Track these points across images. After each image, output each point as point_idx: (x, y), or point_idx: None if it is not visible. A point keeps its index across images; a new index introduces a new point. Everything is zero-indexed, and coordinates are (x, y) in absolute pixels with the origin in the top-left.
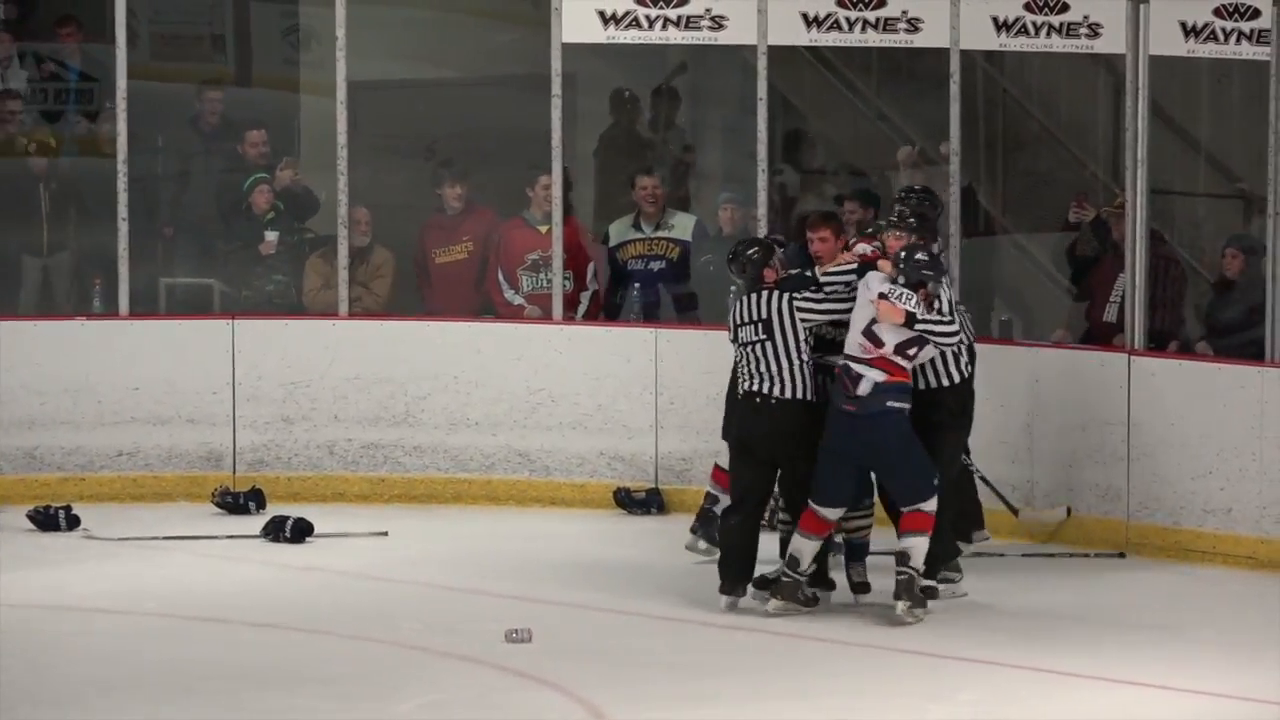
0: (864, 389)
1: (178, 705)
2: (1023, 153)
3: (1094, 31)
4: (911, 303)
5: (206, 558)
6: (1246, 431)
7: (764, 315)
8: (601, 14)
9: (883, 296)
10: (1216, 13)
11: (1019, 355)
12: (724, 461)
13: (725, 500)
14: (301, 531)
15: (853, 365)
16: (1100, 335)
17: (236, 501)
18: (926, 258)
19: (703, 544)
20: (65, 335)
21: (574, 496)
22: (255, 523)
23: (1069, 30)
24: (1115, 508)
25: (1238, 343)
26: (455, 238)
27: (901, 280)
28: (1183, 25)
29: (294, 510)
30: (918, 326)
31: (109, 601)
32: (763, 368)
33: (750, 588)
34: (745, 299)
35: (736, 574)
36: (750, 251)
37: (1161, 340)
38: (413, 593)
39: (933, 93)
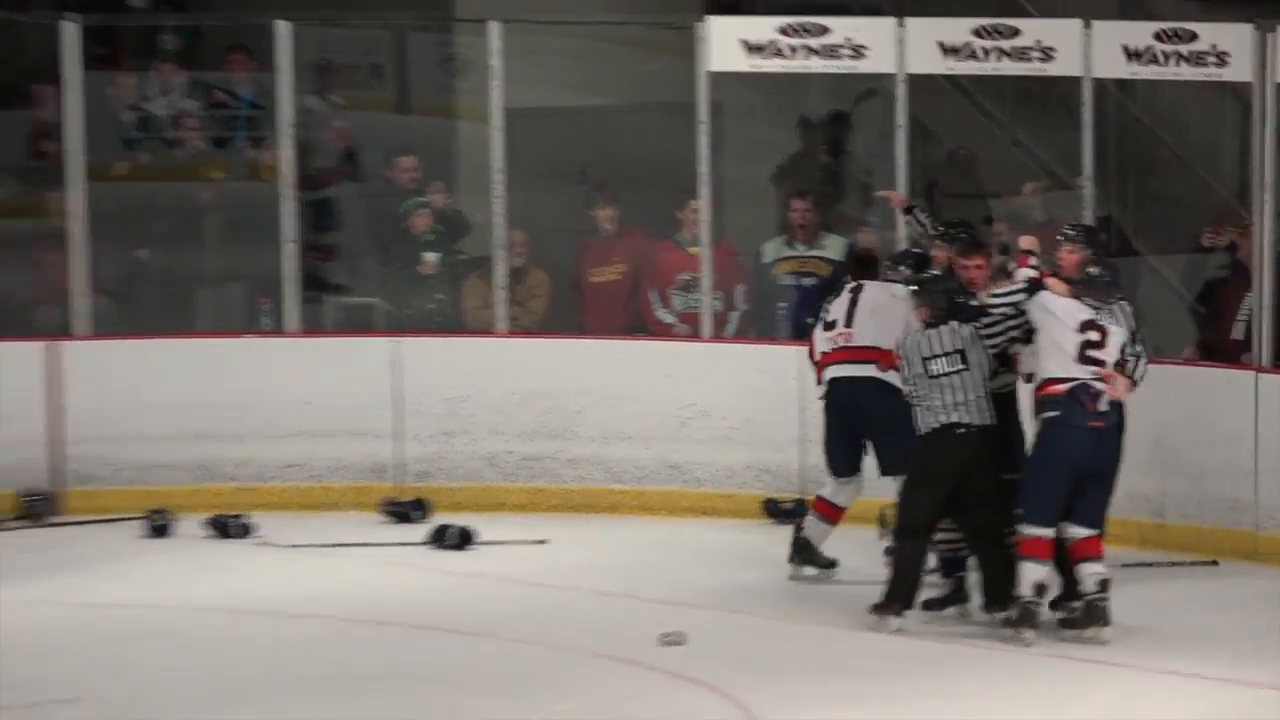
0: (1104, 405)
1: (350, 706)
2: (1153, 177)
3: (1221, 60)
4: (1117, 339)
5: (374, 564)
6: None
7: (959, 346)
8: (745, 43)
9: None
10: None
11: (1150, 372)
12: (826, 494)
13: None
14: (464, 539)
15: (1091, 383)
16: (1228, 353)
17: (402, 510)
18: (1109, 274)
19: (807, 569)
20: (236, 353)
21: (724, 507)
22: (420, 531)
23: (1197, 59)
24: (1244, 519)
25: None
26: (608, 259)
27: (1088, 299)
28: None
29: (457, 519)
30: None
31: (282, 605)
32: (961, 397)
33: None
34: (935, 332)
35: (907, 597)
36: (942, 285)
37: None
38: (571, 598)
39: (1065, 120)
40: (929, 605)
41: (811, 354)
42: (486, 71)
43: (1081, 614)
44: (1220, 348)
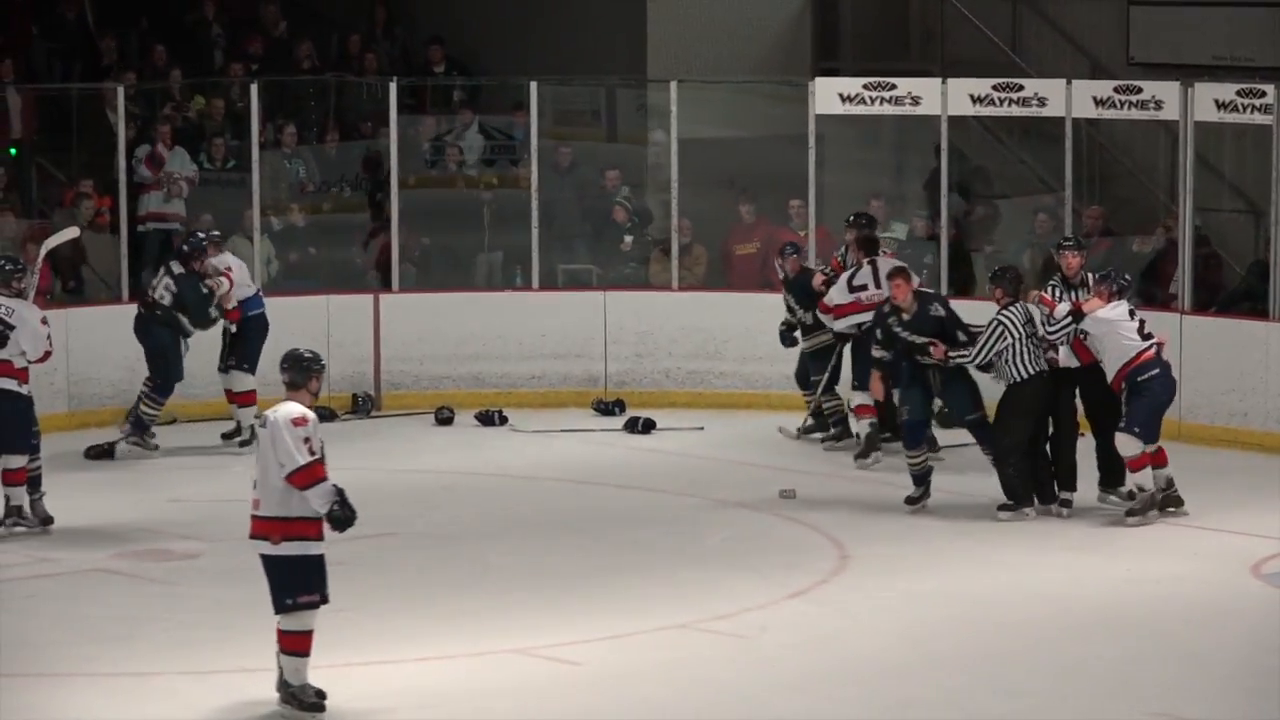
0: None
1: (569, 537)
2: (1111, 183)
3: (1158, 105)
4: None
5: (589, 443)
6: None
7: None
8: (841, 95)
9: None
10: None
11: None
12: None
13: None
14: (648, 426)
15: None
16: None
17: (607, 407)
18: (1117, 275)
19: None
20: (499, 301)
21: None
22: (619, 421)
23: (1142, 105)
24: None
25: None
26: (748, 238)
27: (1119, 294)
28: None
29: (643, 413)
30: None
31: (526, 470)
32: (1039, 353)
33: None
34: (1020, 307)
35: (1028, 495)
36: (1013, 274)
37: None
38: (719, 466)
39: (1053, 145)
40: (910, 500)
41: (825, 306)
42: (668, 114)
43: (1163, 500)
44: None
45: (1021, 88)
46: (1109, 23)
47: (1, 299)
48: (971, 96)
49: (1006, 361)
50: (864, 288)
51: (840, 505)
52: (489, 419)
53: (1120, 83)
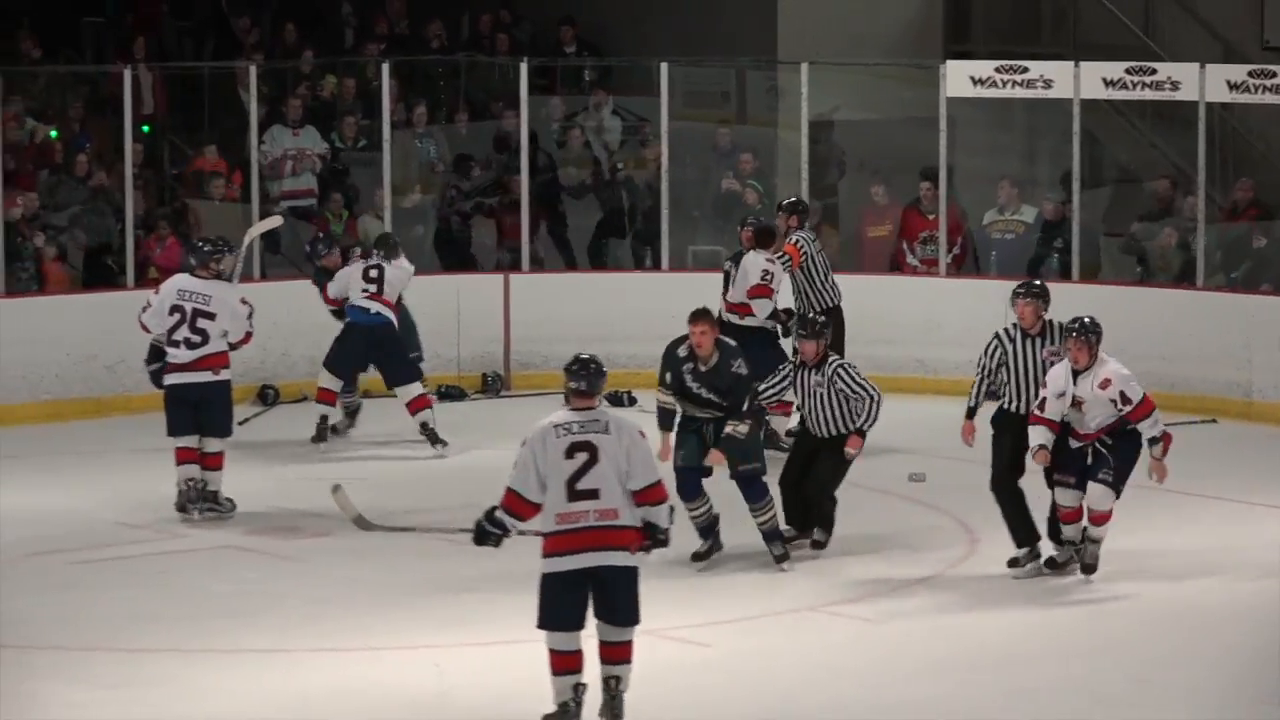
0: None
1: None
2: (1243, 165)
3: None
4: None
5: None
6: None
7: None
8: (972, 78)
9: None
10: None
11: None
12: None
13: None
14: None
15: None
16: None
17: None
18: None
19: None
20: (625, 281)
21: (950, 389)
22: None
23: (1275, 89)
24: None
25: None
26: (881, 220)
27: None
28: None
29: None
30: None
31: (655, 449)
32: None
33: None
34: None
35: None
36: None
37: None
38: None
39: (1186, 130)
40: (697, 556)
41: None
42: (798, 96)
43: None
44: None
45: (1154, 71)
46: (1243, 6)
47: (198, 283)
48: (1104, 80)
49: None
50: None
51: (970, 490)
52: (618, 400)
53: (1254, 67)
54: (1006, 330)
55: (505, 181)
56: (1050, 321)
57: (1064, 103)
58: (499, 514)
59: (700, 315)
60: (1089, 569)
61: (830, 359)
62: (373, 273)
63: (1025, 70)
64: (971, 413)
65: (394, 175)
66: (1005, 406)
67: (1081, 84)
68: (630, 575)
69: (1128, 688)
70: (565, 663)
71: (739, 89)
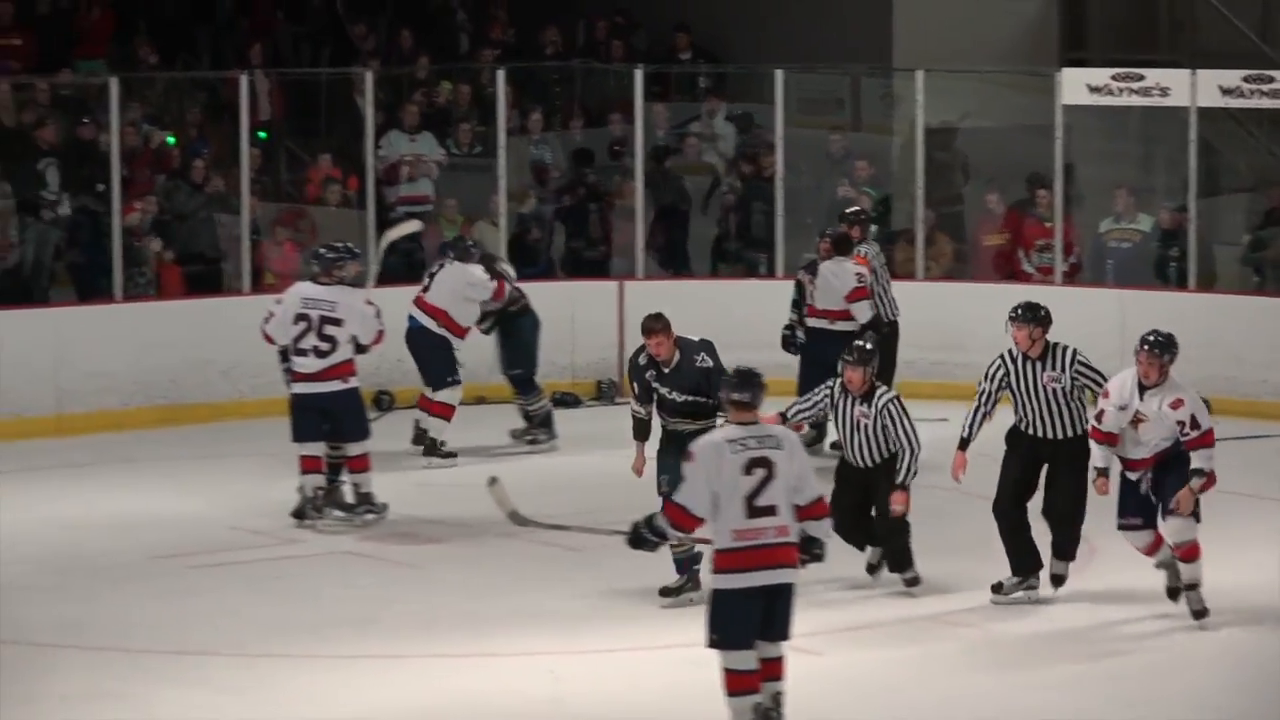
0: None
1: None
2: None
3: None
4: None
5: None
6: None
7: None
8: (1088, 85)
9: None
10: None
11: None
12: None
13: None
14: None
15: None
16: None
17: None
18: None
19: None
20: (737, 289)
21: None
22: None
23: None
24: None
25: None
26: (995, 229)
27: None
28: None
29: None
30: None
31: None
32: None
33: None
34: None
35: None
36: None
37: None
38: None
39: None
40: (666, 592)
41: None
42: (913, 103)
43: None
44: None
45: (1272, 79)
46: None
47: (322, 290)
48: (1221, 88)
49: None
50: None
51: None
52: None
53: None
54: (1010, 352)
55: (621, 188)
56: (1054, 345)
57: (1180, 111)
58: (660, 522)
59: (652, 327)
60: (1199, 615)
61: (880, 391)
62: (429, 276)
63: (1141, 78)
64: (965, 444)
65: (509, 181)
66: (1017, 425)
67: (1198, 92)
68: (793, 591)
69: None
70: (744, 682)
71: (853, 96)
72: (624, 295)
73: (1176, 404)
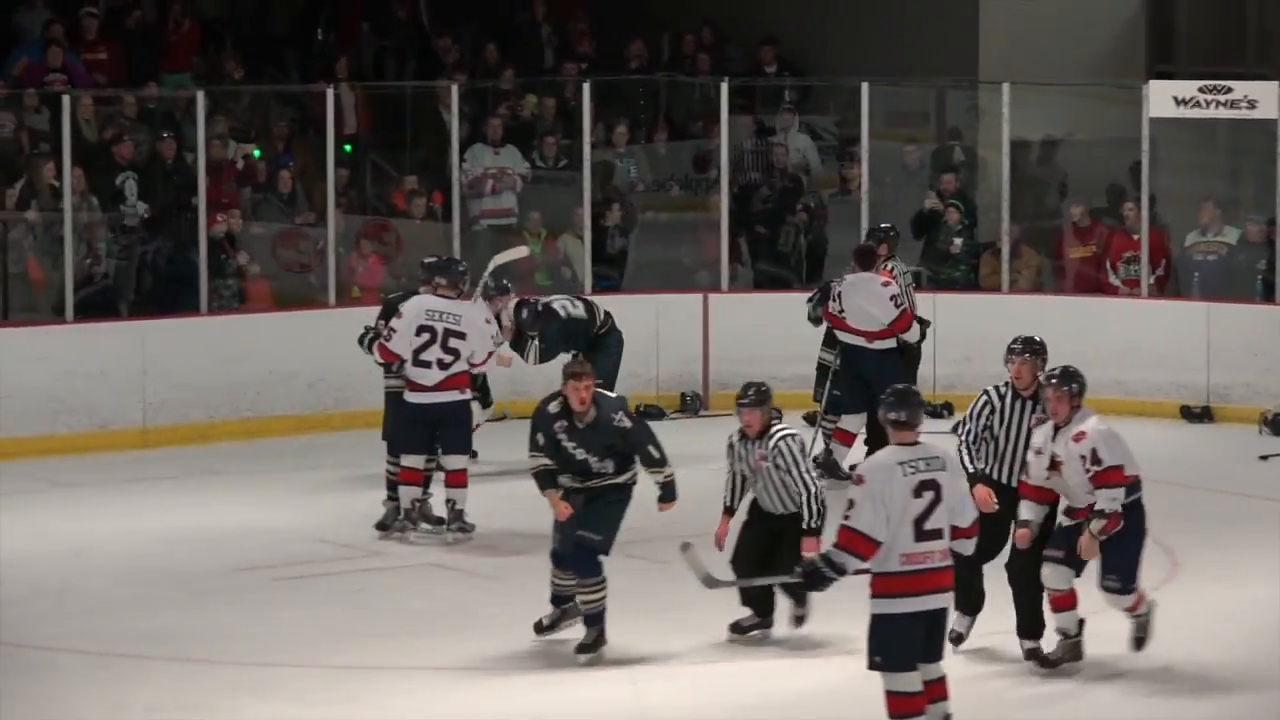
0: None
1: None
2: None
3: None
4: None
5: None
6: None
7: None
8: (1175, 98)
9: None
10: None
11: None
12: None
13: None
14: None
15: None
16: None
17: (935, 410)
18: None
19: None
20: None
21: (1153, 410)
22: (946, 424)
23: None
24: None
25: None
26: (1082, 241)
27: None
28: None
29: None
30: None
31: None
32: None
33: None
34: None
35: None
36: None
37: None
38: None
39: None
40: (582, 649)
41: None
42: (999, 116)
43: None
44: None
45: None
46: None
47: (446, 302)
48: None
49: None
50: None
51: (1172, 513)
52: (811, 419)
53: None
54: (997, 389)
55: (706, 201)
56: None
57: (1268, 123)
58: (836, 554)
59: (580, 371)
60: (1049, 664)
61: (776, 430)
62: None
63: (1229, 90)
64: (982, 477)
65: (593, 195)
66: (987, 473)
67: None
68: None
69: None
70: (910, 705)
71: (939, 109)
72: (708, 308)
73: (1078, 436)
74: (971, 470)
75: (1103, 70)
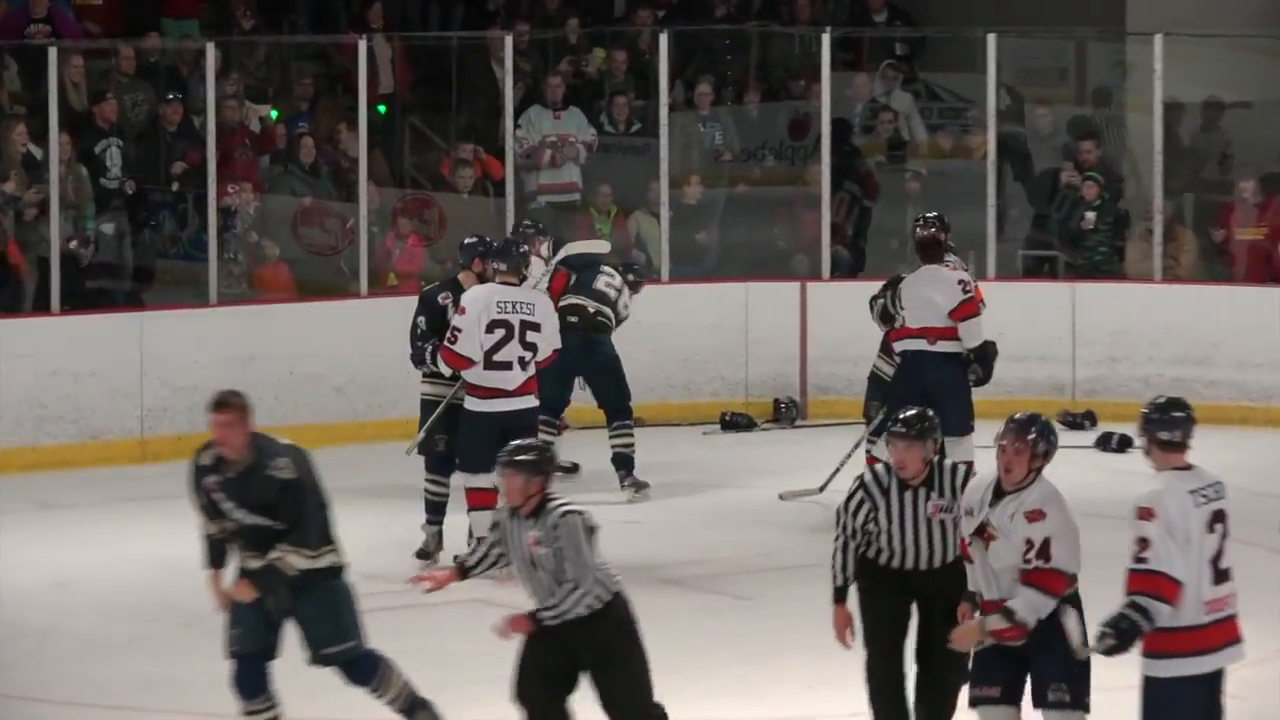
0: None
1: None
2: None
3: None
4: None
5: (1052, 462)
6: None
7: None
8: None
9: None
10: None
11: None
12: None
13: None
14: (1125, 444)
15: None
16: None
17: (1075, 420)
18: None
19: None
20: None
21: None
22: (1089, 437)
23: None
24: None
25: None
26: (1250, 221)
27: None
28: None
29: (1118, 427)
30: None
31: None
32: None
33: None
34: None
35: None
36: None
37: None
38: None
39: None
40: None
41: None
42: (1150, 73)
43: None
44: None
45: None
46: None
47: (515, 291)
48: None
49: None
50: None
51: None
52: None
53: None
54: (875, 475)
55: (804, 173)
56: (942, 464)
57: None
58: (1144, 601)
59: (224, 402)
60: None
61: (553, 504)
62: None
63: None
64: (841, 594)
65: (672, 166)
66: (877, 559)
67: None
68: None
69: None
70: None
71: (1079, 65)
72: (806, 298)
73: (1034, 516)
74: (839, 583)
75: (1271, 20)
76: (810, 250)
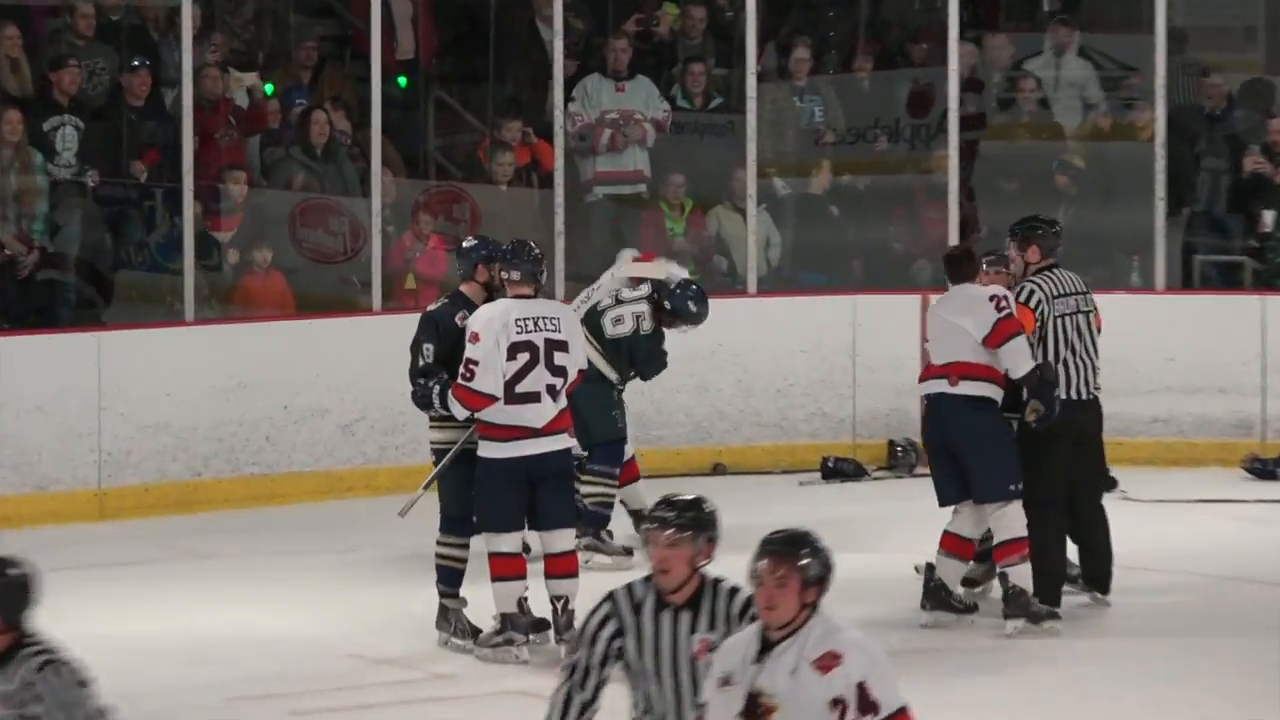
0: None
1: (1218, 654)
2: None
3: None
4: None
5: (1234, 520)
6: None
7: None
8: None
9: None
10: None
11: None
12: None
13: None
14: None
15: None
16: None
17: (1265, 467)
18: None
19: None
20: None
21: None
22: None
23: None
24: None
25: None
26: None
27: None
28: None
29: None
30: None
31: (1142, 557)
32: None
33: None
34: None
35: None
36: None
37: None
38: None
39: None
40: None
41: None
42: None
43: None
44: None
45: None
46: None
47: (534, 305)
48: None
49: None
50: None
51: None
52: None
53: None
54: (630, 590)
55: (926, 159)
56: (718, 585)
57: None
58: None
59: None
60: None
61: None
62: None
63: None
64: None
65: (761, 149)
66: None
67: None
68: None
69: None
70: None
71: (1269, 25)
72: (928, 315)
73: (826, 663)
74: None
75: None
76: (934, 255)
